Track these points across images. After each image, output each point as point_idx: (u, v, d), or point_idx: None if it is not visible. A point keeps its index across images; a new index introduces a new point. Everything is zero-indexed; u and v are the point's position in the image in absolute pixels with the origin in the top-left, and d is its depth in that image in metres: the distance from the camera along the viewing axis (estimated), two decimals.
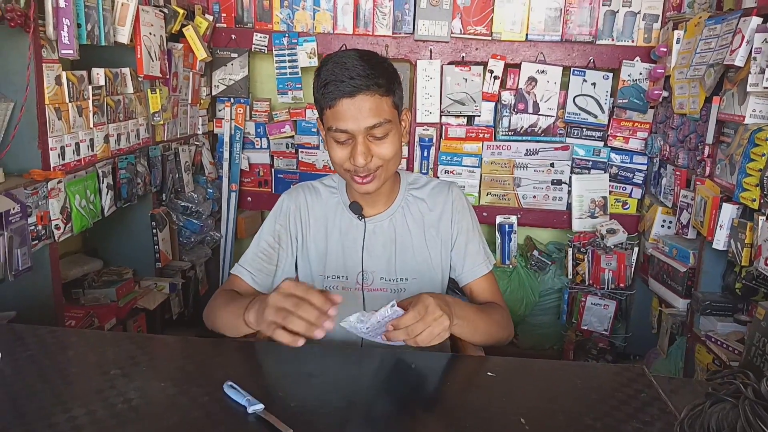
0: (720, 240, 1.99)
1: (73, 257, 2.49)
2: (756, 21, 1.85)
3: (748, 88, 1.84)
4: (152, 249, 2.62)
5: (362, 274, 1.41)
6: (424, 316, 1.08)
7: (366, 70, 1.21)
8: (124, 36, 2.20)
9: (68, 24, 1.86)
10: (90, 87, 2.07)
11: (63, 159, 1.94)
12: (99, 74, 2.15)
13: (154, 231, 2.60)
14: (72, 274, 2.34)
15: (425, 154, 3.00)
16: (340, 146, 1.27)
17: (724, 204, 1.98)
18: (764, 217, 1.76)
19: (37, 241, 1.82)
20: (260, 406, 0.96)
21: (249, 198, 3.19)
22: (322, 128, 1.33)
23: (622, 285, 2.90)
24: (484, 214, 3.01)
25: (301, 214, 1.44)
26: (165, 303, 2.66)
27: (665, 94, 2.65)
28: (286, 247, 1.44)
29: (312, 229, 1.44)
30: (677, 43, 2.49)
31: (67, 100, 1.95)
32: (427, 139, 2.99)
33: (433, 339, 1.09)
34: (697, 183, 2.24)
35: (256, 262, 1.42)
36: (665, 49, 2.60)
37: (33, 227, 1.80)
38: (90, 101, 2.07)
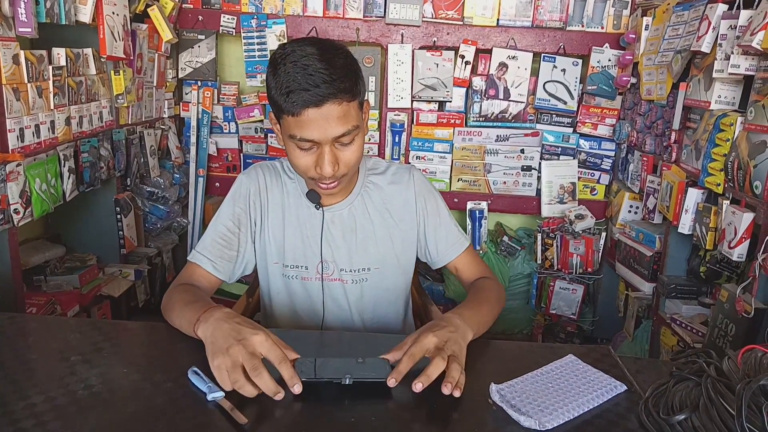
0: (685, 224, 2.03)
1: (35, 243, 2.42)
2: (722, 8, 1.87)
3: (714, 74, 1.87)
4: (116, 235, 2.57)
5: (321, 265, 1.37)
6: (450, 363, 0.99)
7: (331, 75, 1.11)
8: (85, 15, 2.13)
9: (25, 0, 1.79)
10: (50, 67, 2.00)
11: (22, 141, 1.88)
12: (60, 54, 2.08)
13: (119, 216, 2.55)
14: (33, 260, 2.28)
15: (396, 140, 2.99)
16: (304, 153, 1.19)
17: (690, 189, 2.02)
18: (728, 202, 1.79)
19: None
20: (220, 394, 0.94)
21: (217, 183, 3.15)
22: (276, 126, 1.24)
23: (589, 269, 2.94)
24: (455, 200, 3.02)
25: (261, 196, 1.38)
26: (130, 290, 2.61)
27: (633, 80, 2.68)
28: (245, 231, 1.37)
29: (270, 214, 1.38)
30: (646, 29, 2.51)
31: (26, 81, 1.88)
32: (398, 124, 2.97)
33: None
34: (664, 168, 2.28)
35: (216, 249, 1.33)
36: (634, 36, 2.63)
37: None
38: (50, 82, 2.00)
